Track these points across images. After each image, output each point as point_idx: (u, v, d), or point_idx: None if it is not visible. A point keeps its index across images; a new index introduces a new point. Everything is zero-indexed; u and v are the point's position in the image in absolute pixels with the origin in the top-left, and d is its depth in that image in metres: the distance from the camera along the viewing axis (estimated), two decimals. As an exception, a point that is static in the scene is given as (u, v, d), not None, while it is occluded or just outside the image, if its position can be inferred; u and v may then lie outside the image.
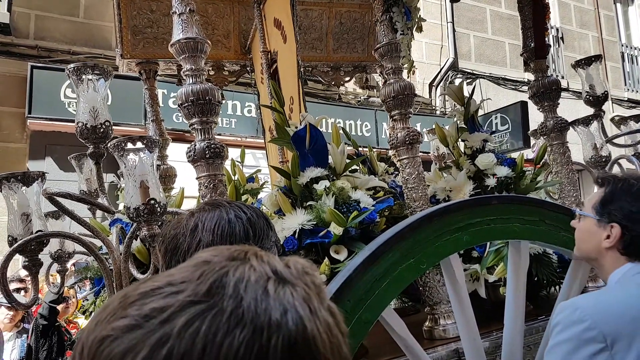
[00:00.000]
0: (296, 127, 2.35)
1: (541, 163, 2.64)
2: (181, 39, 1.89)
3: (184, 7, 1.91)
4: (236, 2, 3.57)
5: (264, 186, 3.20)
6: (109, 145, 1.88)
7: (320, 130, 2.30)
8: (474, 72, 9.59)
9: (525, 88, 9.55)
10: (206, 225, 1.07)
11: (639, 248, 1.43)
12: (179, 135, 6.18)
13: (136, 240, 2.26)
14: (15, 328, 4.40)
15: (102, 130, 2.09)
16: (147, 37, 3.25)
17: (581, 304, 1.32)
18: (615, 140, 2.86)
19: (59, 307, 3.84)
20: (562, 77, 10.24)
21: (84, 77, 2.08)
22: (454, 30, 9.50)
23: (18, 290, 4.30)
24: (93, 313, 2.65)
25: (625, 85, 11.67)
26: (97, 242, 2.15)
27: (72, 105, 6.33)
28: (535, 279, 2.26)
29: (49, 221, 2.50)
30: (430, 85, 9.30)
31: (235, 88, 5.73)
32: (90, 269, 2.45)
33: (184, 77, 1.96)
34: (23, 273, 4.85)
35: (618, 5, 12.42)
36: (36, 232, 1.94)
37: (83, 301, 3.40)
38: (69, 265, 2.83)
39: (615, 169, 2.87)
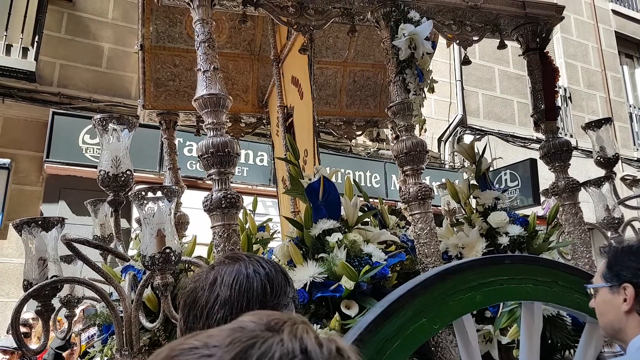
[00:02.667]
0: (310, 179, 2.40)
1: (553, 223, 2.65)
2: (204, 95, 1.98)
3: (208, 65, 2.01)
4: (256, 60, 3.76)
5: (274, 235, 3.22)
6: (129, 193, 1.93)
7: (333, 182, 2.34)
8: (483, 128, 9.73)
9: (534, 145, 9.64)
10: (225, 280, 1.06)
11: None
12: (192, 182, 6.29)
13: (147, 288, 2.26)
14: None
15: (123, 178, 2.15)
16: (169, 90, 3.39)
17: None
18: (628, 202, 2.87)
19: (65, 354, 3.78)
20: (571, 136, 10.35)
21: (109, 127, 2.16)
22: (462, 88, 9.73)
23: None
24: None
25: (635, 145, 11.74)
26: (107, 288, 2.15)
27: (90, 151, 6.50)
28: (549, 341, 2.21)
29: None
30: (439, 140, 9.44)
31: (248, 138, 5.86)
32: (100, 316, 2.44)
33: (205, 130, 2.04)
34: (28, 316, 4.81)
35: (625, 67, 12.70)
36: (51, 277, 1.96)
37: (88, 348, 3.35)
38: (77, 311, 2.82)
39: (629, 232, 2.87)
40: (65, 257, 2.68)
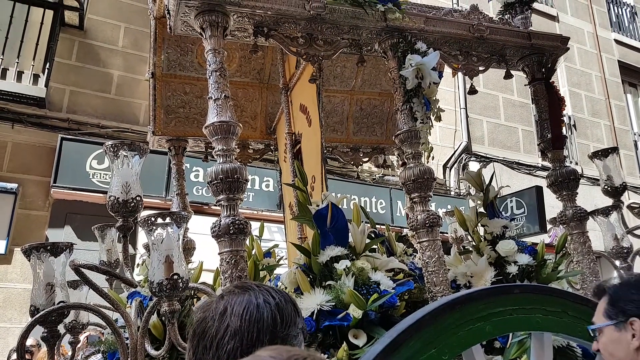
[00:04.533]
0: (317, 206, 2.40)
1: (562, 252, 2.63)
2: (215, 122, 2.01)
3: (220, 93, 2.05)
4: (265, 88, 3.83)
5: (281, 262, 3.20)
6: (139, 219, 1.94)
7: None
8: (488, 155, 9.75)
9: (539, 173, 9.64)
10: (235, 310, 1.06)
11: None
12: (199, 207, 6.29)
13: (153, 314, 2.25)
14: None
15: (132, 204, 2.16)
16: (179, 117, 3.44)
17: None
18: (637, 232, 2.85)
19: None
20: (577, 164, 10.34)
21: (120, 153, 2.19)
22: (467, 116, 9.80)
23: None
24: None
25: (640, 173, 11.72)
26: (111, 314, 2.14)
27: (97, 176, 6.54)
28: (561, 373, 2.17)
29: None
30: (445, 166, 9.46)
31: (255, 164, 5.89)
32: (104, 343, 2.42)
33: (215, 157, 2.06)
34: (29, 342, 4.76)
35: (628, 95, 12.78)
36: (58, 303, 1.96)
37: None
38: (81, 337, 2.79)
39: (638, 261, 2.84)
40: (71, 283, 2.68)
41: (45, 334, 1.91)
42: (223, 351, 1.01)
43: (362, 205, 8.09)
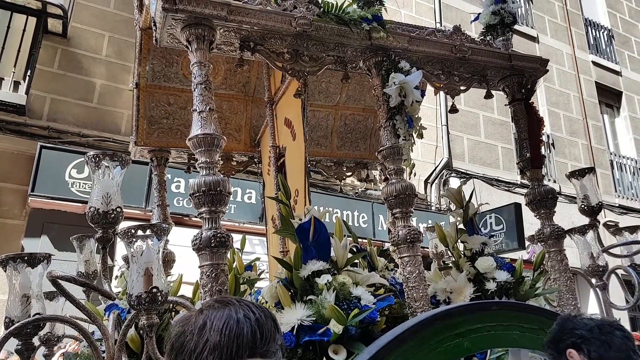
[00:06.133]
0: (300, 219, 2.41)
1: (539, 269, 2.68)
2: (199, 134, 2.01)
3: (204, 106, 2.05)
4: (250, 101, 3.84)
5: (262, 275, 3.19)
6: (118, 231, 1.92)
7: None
8: (468, 172, 9.89)
9: (518, 190, 9.80)
10: (214, 325, 1.05)
11: (598, 351, 1.55)
12: (179, 219, 6.22)
13: (131, 327, 2.22)
14: None
15: (112, 215, 2.14)
16: (162, 127, 3.43)
17: None
18: (612, 250, 2.92)
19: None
20: (554, 182, 10.54)
21: (101, 163, 2.17)
22: (448, 133, 9.94)
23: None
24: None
25: (616, 191, 11.98)
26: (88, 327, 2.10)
27: (76, 186, 6.44)
28: (537, 389, 2.20)
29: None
30: (426, 182, 9.55)
31: (237, 176, 5.88)
32: (80, 356, 2.37)
33: (198, 169, 2.06)
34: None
35: (605, 116, 13.12)
36: (34, 315, 1.92)
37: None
38: (57, 354, 2.72)
39: (613, 279, 2.91)
40: (47, 294, 2.62)
41: (19, 347, 1.87)
42: None
43: (345, 218, 8.11)
